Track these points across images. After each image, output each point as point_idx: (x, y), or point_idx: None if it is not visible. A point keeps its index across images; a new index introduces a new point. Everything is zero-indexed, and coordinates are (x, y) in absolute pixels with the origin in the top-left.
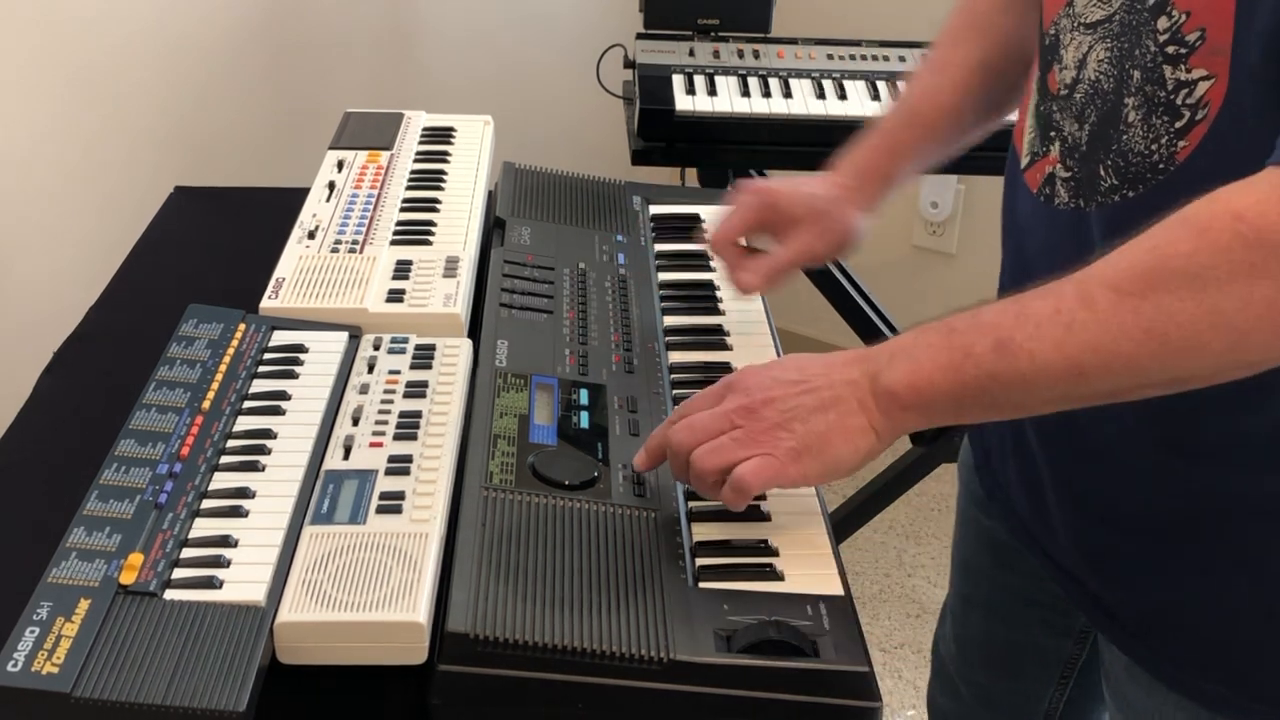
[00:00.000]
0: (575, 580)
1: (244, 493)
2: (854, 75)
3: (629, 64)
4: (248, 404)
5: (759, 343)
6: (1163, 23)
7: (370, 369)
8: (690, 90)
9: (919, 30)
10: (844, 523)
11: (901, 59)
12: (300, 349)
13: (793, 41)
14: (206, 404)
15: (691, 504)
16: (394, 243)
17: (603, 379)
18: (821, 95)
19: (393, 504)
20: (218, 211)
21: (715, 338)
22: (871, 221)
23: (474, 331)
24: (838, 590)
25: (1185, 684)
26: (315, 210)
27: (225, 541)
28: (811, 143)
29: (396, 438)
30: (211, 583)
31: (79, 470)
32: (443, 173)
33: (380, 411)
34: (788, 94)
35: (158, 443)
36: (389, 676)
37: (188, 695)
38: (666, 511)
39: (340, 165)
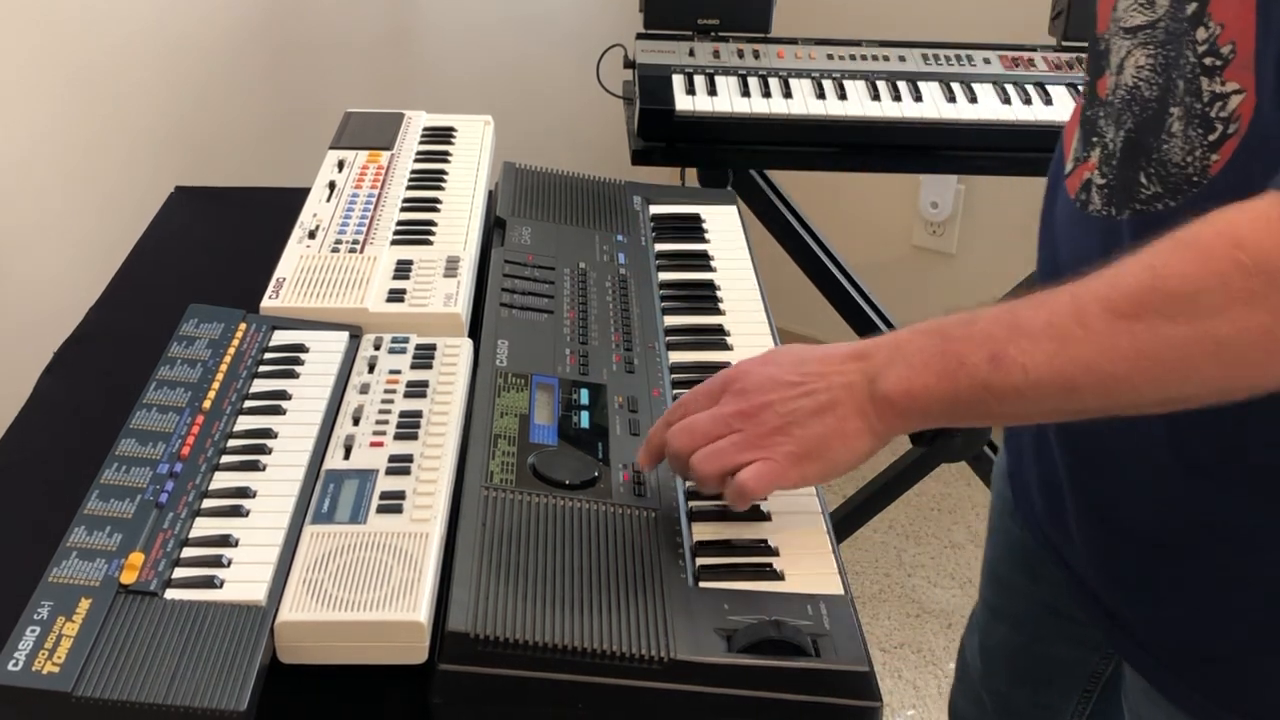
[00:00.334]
0: (576, 580)
1: (244, 492)
2: (854, 75)
3: (629, 64)
4: (248, 403)
5: (759, 343)
6: (1200, 34)
7: (371, 369)
8: (690, 90)
9: (919, 30)
10: (844, 523)
11: (901, 59)
12: (301, 349)
13: (793, 41)
14: (207, 403)
15: (692, 504)
16: (394, 242)
17: (603, 379)
18: (821, 95)
19: (393, 504)
20: (218, 211)
21: (715, 338)
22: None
23: (474, 331)
24: (838, 590)
25: (1202, 711)
26: (316, 210)
27: (226, 541)
28: (811, 143)
29: (397, 437)
30: (212, 582)
31: (79, 470)
32: (443, 173)
33: (381, 411)
34: (788, 94)
35: (158, 442)
36: (389, 676)
37: (188, 695)
38: (666, 511)
39: (341, 165)
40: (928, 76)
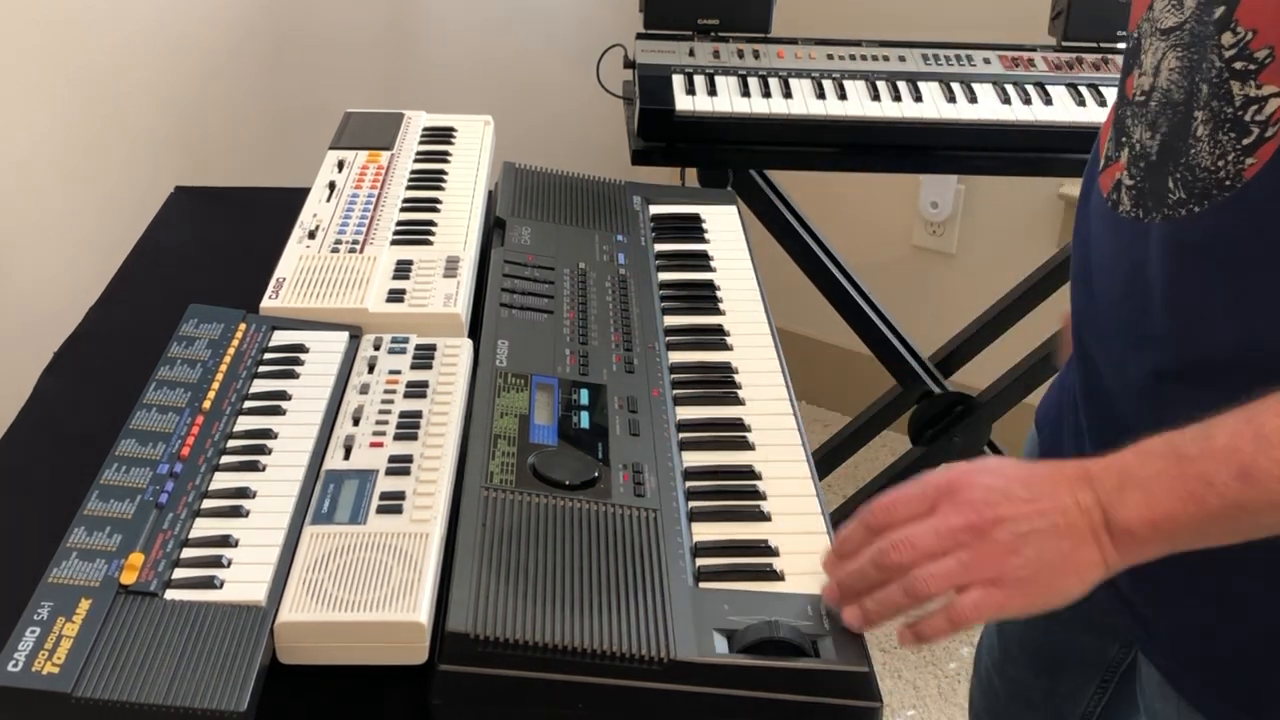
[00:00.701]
0: (575, 580)
1: (244, 492)
2: (854, 75)
3: (629, 64)
4: (248, 404)
5: (759, 343)
6: (1227, 38)
7: (371, 369)
8: (690, 90)
9: (919, 30)
10: (844, 523)
11: (901, 59)
12: (301, 349)
13: (793, 41)
14: (207, 404)
15: (692, 504)
16: (394, 243)
17: (603, 379)
18: (821, 95)
19: (393, 504)
20: (218, 211)
21: (715, 338)
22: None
23: (474, 331)
24: None
25: (1213, 708)
26: (316, 210)
27: (226, 541)
28: (811, 143)
29: (397, 438)
30: (212, 583)
31: (79, 470)
32: (443, 173)
33: (381, 411)
34: (788, 94)
35: (158, 442)
36: (389, 676)
37: (188, 695)
38: (667, 511)
39: (340, 165)
40: (928, 76)
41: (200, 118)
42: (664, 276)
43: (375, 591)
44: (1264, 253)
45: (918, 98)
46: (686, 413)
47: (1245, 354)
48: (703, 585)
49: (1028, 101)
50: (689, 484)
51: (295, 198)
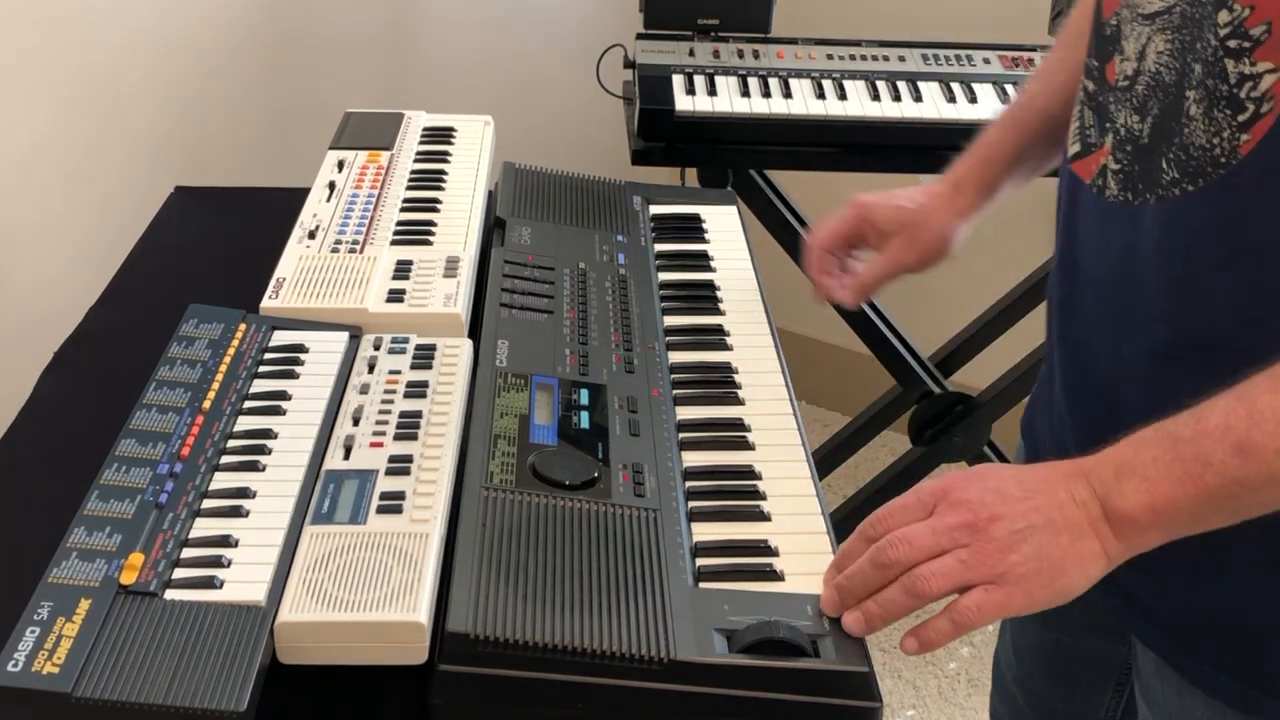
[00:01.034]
0: (575, 580)
1: (244, 493)
2: (854, 75)
3: (629, 64)
4: (248, 404)
5: (759, 343)
6: (1223, 16)
7: (371, 369)
8: (690, 90)
9: (919, 30)
10: (844, 523)
11: (901, 59)
12: (301, 349)
13: (793, 41)
14: (207, 404)
15: (692, 504)
16: (394, 243)
17: (603, 379)
18: (821, 95)
19: (393, 504)
20: (218, 211)
21: (715, 338)
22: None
23: (474, 331)
24: None
25: (1213, 683)
26: (315, 210)
27: (226, 541)
28: (811, 143)
29: (397, 438)
30: (212, 583)
31: (79, 470)
32: (443, 173)
33: (381, 411)
34: (788, 94)
35: (158, 442)
36: (389, 676)
37: (188, 695)
38: (666, 511)
39: (340, 165)
40: (928, 76)
41: (200, 118)
42: (664, 276)
43: (375, 591)
44: (1259, 227)
45: (918, 98)
46: (686, 413)
47: (1244, 329)
48: (702, 585)
49: None
50: (689, 484)
51: (295, 198)
